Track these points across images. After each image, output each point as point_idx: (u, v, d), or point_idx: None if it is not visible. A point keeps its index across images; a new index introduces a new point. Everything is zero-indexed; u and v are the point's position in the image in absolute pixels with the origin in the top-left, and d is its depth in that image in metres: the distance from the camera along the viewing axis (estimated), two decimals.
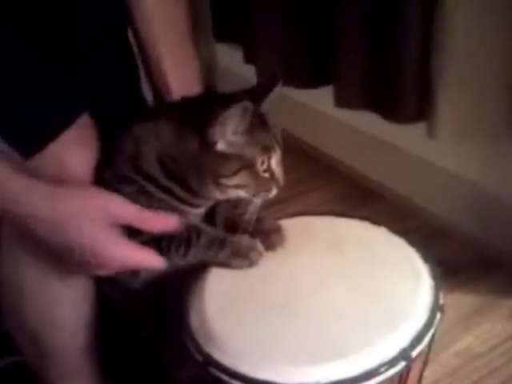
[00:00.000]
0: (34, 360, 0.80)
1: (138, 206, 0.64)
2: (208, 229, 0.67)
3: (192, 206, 0.68)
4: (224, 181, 0.64)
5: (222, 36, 1.56)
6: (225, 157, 0.63)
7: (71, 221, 0.61)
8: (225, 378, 0.56)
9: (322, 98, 1.31)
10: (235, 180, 0.64)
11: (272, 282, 0.64)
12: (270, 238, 0.68)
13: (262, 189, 0.66)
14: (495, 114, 0.96)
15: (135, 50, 0.80)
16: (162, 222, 0.65)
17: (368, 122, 1.23)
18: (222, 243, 0.66)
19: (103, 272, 0.65)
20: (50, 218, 0.60)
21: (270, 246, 0.68)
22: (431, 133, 1.03)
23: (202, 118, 0.62)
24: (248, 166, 0.64)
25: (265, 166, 0.65)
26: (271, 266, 0.66)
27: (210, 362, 0.57)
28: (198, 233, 0.66)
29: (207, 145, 0.63)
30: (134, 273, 0.70)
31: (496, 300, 1.00)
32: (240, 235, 0.67)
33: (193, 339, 0.59)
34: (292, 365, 0.55)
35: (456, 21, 0.93)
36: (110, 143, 0.68)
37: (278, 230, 0.69)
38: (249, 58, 1.39)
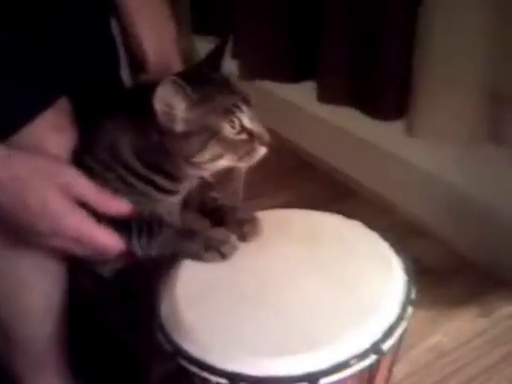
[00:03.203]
0: (2, 349, 0.79)
1: (97, 184, 0.62)
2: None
3: (174, 193, 0.67)
4: (196, 159, 0.62)
5: (201, 29, 1.55)
6: (187, 135, 0.61)
7: (25, 182, 0.59)
8: (194, 369, 0.55)
9: (302, 94, 1.30)
10: (206, 154, 0.62)
11: (245, 272, 0.64)
12: (243, 227, 0.67)
13: (244, 151, 0.63)
14: (472, 116, 0.97)
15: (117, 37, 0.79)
16: (117, 204, 0.63)
17: (346, 119, 1.23)
18: (192, 235, 0.64)
19: (56, 242, 0.63)
20: (2, 178, 0.59)
21: (243, 237, 0.67)
22: (409, 130, 1.03)
23: (150, 107, 0.61)
24: (213, 135, 0.61)
25: (237, 128, 0.62)
26: (245, 257, 0.65)
27: (178, 352, 0.56)
28: (160, 223, 0.64)
29: (165, 131, 0.61)
30: (102, 262, 0.69)
31: (466, 298, 1.01)
32: (213, 228, 0.66)
33: (162, 328, 0.58)
34: (262, 356, 0.54)
35: (438, 22, 0.93)
36: (88, 132, 0.67)
37: (252, 221, 0.68)
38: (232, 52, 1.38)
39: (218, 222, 0.68)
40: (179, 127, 0.61)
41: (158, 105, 0.60)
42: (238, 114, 0.62)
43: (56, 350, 0.78)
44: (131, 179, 0.65)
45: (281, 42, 1.25)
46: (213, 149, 0.62)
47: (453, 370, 0.89)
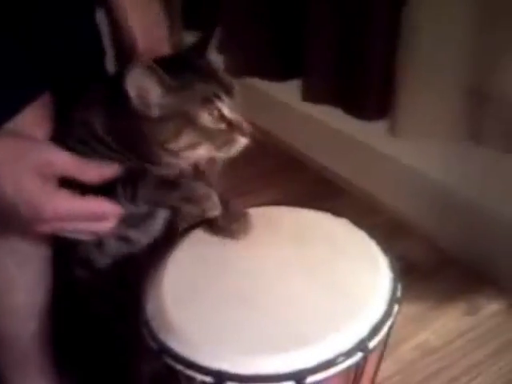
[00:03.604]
0: None
1: (75, 155, 0.61)
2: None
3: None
4: (171, 146, 0.61)
5: (192, 25, 1.54)
6: (162, 120, 0.60)
7: (2, 167, 0.57)
8: (179, 367, 0.55)
9: (289, 91, 1.30)
10: (181, 141, 0.60)
11: (233, 270, 0.63)
12: (233, 224, 0.66)
13: (222, 141, 0.62)
14: (452, 117, 0.98)
15: (103, 30, 0.78)
16: (100, 170, 0.62)
17: (334, 116, 1.24)
18: (173, 185, 0.63)
19: (45, 226, 0.61)
20: None
21: (231, 234, 0.66)
22: (392, 130, 1.04)
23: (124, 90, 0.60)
24: (189, 122, 0.60)
25: (215, 118, 0.61)
26: (233, 255, 0.65)
27: (164, 349, 0.55)
28: (145, 171, 0.63)
29: (140, 115, 0.60)
30: (98, 244, 0.68)
31: (452, 296, 1.02)
32: (196, 182, 0.64)
33: (148, 326, 0.58)
34: (249, 355, 0.54)
35: (421, 23, 0.95)
36: (66, 113, 0.66)
37: (243, 217, 0.67)
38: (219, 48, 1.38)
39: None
40: (154, 112, 0.60)
41: (131, 88, 0.59)
42: (218, 103, 0.61)
43: (40, 348, 0.78)
44: (109, 153, 0.64)
45: (268, 40, 1.26)
46: (188, 136, 0.60)
47: (439, 367, 0.90)
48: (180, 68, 0.62)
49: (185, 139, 0.61)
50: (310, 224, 0.70)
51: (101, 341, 0.78)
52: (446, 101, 0.98)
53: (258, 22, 1.26)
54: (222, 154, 0.63)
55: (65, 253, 0.71)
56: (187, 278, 0.63)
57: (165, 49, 0.75)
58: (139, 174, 0.63)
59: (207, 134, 0.61)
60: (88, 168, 0.61)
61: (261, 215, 0.70)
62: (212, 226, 0.67)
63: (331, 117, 1.26)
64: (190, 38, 1.57)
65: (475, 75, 0.93)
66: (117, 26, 0.75)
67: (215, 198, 0.63)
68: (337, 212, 0.71)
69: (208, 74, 0.63)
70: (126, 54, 0.75)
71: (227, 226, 0.66)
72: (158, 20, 0.76)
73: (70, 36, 0.73)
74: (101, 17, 0.78)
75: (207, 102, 0.61)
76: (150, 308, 0.60)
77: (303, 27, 1.16)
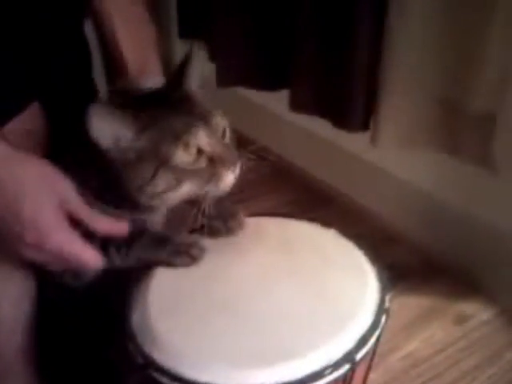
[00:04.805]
0: None
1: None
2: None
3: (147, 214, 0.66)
4: (149, 189, 0.57)
5: (187, 33, 1.55)
6: (138, 163, 0.56)
7: (23, 187, 0.56)
8: (165, 380, 0.54)
9: (277, 101, 1.31)
10: (159, 184, 0.57)
11: (219, 282, 0.63)
12: (228, 222, 0.65)
13: (206, 178, 0.58)
14: (432, 127, 0.99)
15: (91, 39, 0.78)
16: (111, 225, 0.61)
17: (322, 126, 1.24)
18: (162, 241, 0.63)
19: (37, 255, 0.60)
20: (3, 179, 0.55)
21: (230, 231, 0.65)
22: (373, 141, 1.05)
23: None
24: (163, 162, 0.56)
25: (193, 154, 0.57)
26: (219, 266, 0.64)
27: (150, 363, 0.55)
28: (141, 234, 0.63)
29: (118, 161, 0.58)
30: (75, 273, 0.67)
31: (441, 305, 1.02)
32: (182, 234, 0.64)
33: (133, 340, 0.57)
34: (236, 367, 0.54)
35: (402, 37, 0.96)
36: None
37: (236, 214, 0.66)
38: (211, 57, 1.39)
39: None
40: (129, 156, 0.57)
41: (97, 133, 0.56)
42: (193, 138, 0.57)
43: (25, 362, 0.76)
44: (106, 209, 0.63)
45: (257, 51, 1.27)
46: (165, 177, 0.57)
47: (428, 377, 0.90)
48: (153, 104, 0.59)
49: (162, 181, 0.57)
50: (298, 235, 0.70)
51: (84, 354, 0.77)
52: (425, 114, 0.99)
53: (247, 33, 1.26)
54: (210, 191, 0.59)
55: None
56: (173, 290, 0.62)
57: (156, 68, 0.74)
58: (135, 235, 0.62)
59: (187, 172, 0.57)
60: (100, 219, 0.60)
61: (248, 226, 0.70)
62: (205, 230, 0.65)
63: (320, 126, 1.26)
64: (184, 47, 1.58)
65: (454, 89, 0.95)
66: (103, 37, 0.75)
67: (201, 243, 0.63)
68: (325, 221, 0.71)
69: (182, 107, 0.59)
70: (115, 65, 0.75)
71: (222, 224, 0.65)
72: (150, 39, 0.75)
73: (57, 46, 0.73)
74: (89, 26, 0.78)
75: (181, 137, 0.56)
76: (135, 321, 0.59)
77: (290, 40, 1.17)
